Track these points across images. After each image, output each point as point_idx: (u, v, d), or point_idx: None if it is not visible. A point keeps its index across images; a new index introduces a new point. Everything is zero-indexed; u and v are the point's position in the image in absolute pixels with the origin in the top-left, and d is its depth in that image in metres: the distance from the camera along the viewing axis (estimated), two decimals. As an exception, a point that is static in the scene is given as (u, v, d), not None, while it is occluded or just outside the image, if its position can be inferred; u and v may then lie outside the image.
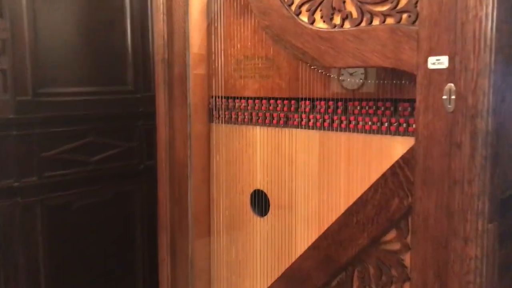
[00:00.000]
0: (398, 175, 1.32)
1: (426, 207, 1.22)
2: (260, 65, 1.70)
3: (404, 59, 1.23)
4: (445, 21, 1.14)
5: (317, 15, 1.44)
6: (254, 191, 1.78)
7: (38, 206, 2.18)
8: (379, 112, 1.42)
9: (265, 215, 1.75)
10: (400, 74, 1.35)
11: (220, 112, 1.85)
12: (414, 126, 1.31)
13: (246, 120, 1.77)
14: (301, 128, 1.61)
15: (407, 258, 1.36)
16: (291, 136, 1.64)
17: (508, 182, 1.19)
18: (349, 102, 1.48)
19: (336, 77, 1.50)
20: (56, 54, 2.22)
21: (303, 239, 1.63)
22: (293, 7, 1.49)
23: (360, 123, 1.46)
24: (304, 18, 1.47)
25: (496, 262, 1.17)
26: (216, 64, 1.83)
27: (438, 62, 1.16)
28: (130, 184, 2.56)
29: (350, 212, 1.45)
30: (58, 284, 2.28)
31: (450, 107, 1.14)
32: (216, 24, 1.81)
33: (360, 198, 1.42)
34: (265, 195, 1.75)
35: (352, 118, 1.48)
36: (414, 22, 1.23)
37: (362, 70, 1.44)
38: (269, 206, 1.74)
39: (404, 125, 1.37)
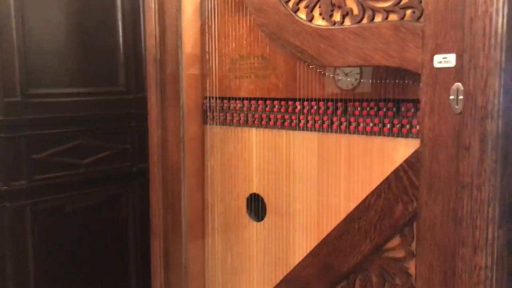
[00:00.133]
0: (402, 179, 1.28)
1: (432, 213, 1.19)
2: (256, 64, 1.67)
3: (409, 58, 1.20)
4: (452, 17, 1.10)
5: (316, 12, 1.41)
6: (250, 195, 1.75)
7: (27, 210, 2.15)
8: (380, 113, 1.39)
9: (261, 220, 1.72)
10: (403, 73, 1.31)
11: (215, 114, 1.82)
12: (417, 127, 1.29)
13: (241, 121, 1.74)
14: (299, 130, 1.57)
15: (411, 266, 1.32)
16: (288, 138, 1.61)
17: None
18: (349, 103, 1.45)
19: (332, 76, 1.47)
20: (45, 54, 2.19)
21: (301, 245, 1.60)
22: (291, 4, 1.45)
23: (361, 124, 1.42)
24: (302, 15, 1.43)
25: (505, 271, 1.13)
26: (210, 64, 1.80)
27: (445, 60, 1.12)
28: (122, 187, 2.54)
29: (352, 218, 1.41)
30: (48, 291, 2.25)
31: (458, 107, 1.11)
32: (210, 23, 1.78)
33: (362, 203, 1.38)
34: (262, 199, 1.71)
35: (352, 119, 1.44)
36: (419, 18, 1.19)
37: (357, 70, 1.42)
38: (265, 211, 1.70)
39: (407, 126, 1.33)
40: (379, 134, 1.39)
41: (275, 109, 1.63)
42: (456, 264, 1.14)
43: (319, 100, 1.50)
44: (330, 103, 1.48)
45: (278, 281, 1.67)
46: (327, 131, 1.50)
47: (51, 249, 2.24)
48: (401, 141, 1.34)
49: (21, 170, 2.12)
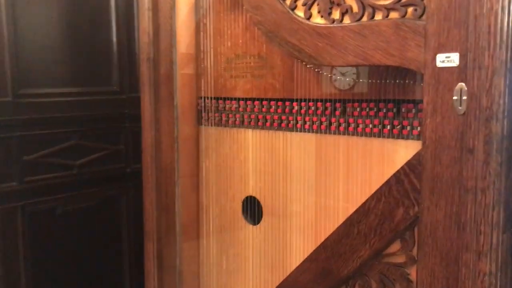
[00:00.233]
0: (403, 183, 1.26)
1: (434, 217, 1.17)
2: (252, 64, 1.65)
3: (410, 57, 1.17)
4: (456, 15, 1.08)
5: (314, 10, 1.39)
6: (246, 198, 1.74)
7: (18, 212, 2.13)
8: (380, 114, 1.37)
9: (257, 224, 1.71)
10: (403, 73, 1.30)
11: (210, 114, 1.80)
12: (419, 129, 1.28)
13: (237, 122, 1.72)
14: (296, 131, 1.55)
15: (412, 272, 1.30)
16: (285, 140, 1.59)
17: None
18: (348, 104, 1.43)
19: (329, 76, 1.46)
20: (37, 53, 2.18)
21: (299, 249, 1.59)
22: (288, 1, 1.43)
23: (360, 125, 1.40)
24: (300, 12, 1.41)
25: (510, 277, 1.12)
26: (205, 63, 1.79)
27: (448, 59, 1.10)
28: (116, 188, 2.52)
29: (351, 222, 1.40)
30: (40, 295, 2.24)
31: (461, 108, 1.09)
32: (205, 21, 1.77)
33: (362, 207, 1.37)
34: (258, 202, 1.70)
35: (351, 120, 1.42)
36: (421, 16, 1.17)
37: (354, 70, 1.40)
38: (262, 214, 1.69)
39: (408, 128, 1.31)
40: (379, 136, 1.37)
41: (271, 110, 1.61)
42: (459, 270, 1.12)
43: (317, 100, 1.49)
44: (328, 104, 1.47)
45: (274, 284, 1.66)
46: (325, 133, 1.48)
47: (43, 251, 2.22)
48: (402, 143, 1.32)
49: (12, 172, 2.10)
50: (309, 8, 1.39)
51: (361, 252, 1.37)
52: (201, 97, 1.82)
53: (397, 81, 1.31)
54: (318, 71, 1.46)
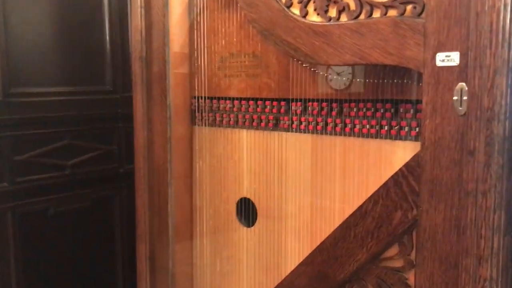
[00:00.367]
0: (401, 185, 1.24)
1: (434, 221, 1.16)
2: (247, 62, 1.64)
3: (409, 56, 1.16)
4: (456, 13, 1.07)
5: (310, 7, 1.38)
6: (240, 199, 1.72)
7: (9, 213, 2.11)
8: (378, 114, 1.35)
9: (252, 226, 1.69)
10: (401, 73, 1.28)
11: (203, 114, 1.78)
12: (417, 130, 1.26)
13: (231, 122, 1.71)
14: (292, 131, 1.54)
15: (410, 277, 1.29)
16: (281, 140, 1.58)
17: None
18: (344, 104, 1.41)
19: (325, 75, 1.45)
20: (29, 52, 2.16)
21: (294, 252, 1.58)
22: None
23: (357, 126, 1.39)
24: (295, 10, 1.40)
25: (510, 282, 1.10)
26: (199, 62, 1.77)
27: (448, 58, 1.09)
28: (109, 188, 2.51)
29: (348, 225, 1.38)
30: (31, 298, 2.23)
31: (462, 109, 1.07)
32: (199, 19, 1.75)
33: (359, 209, 1.35)
34: (252, 204, 1.68)
35: (348, 120, 1.41)
36: (420, 14, 1.16)
37: (350, 69, 1.39)
38: (256, 216, 1.67)
39: (406, 128, 1.29)
40: (376, 137, 1.36)
41: (266, 110, 1.60)
42: (459, 275, 1.11)
43: (313, 100, 1.47)
44: (324, 104, 1.45)
45: (269, 286, 1.64)
46: (321, 133, 1.47)
47: (35, 253, 2.21)
48: (399, 144, 1.31)
49: (3, 172, 2.09)
50: (305, 6, 1.38)
51: (358, 255, 1.35)
52: (194, 97, 1.81)
53: (395, 80, 1.30)
54: (314, 71, 1.45)
